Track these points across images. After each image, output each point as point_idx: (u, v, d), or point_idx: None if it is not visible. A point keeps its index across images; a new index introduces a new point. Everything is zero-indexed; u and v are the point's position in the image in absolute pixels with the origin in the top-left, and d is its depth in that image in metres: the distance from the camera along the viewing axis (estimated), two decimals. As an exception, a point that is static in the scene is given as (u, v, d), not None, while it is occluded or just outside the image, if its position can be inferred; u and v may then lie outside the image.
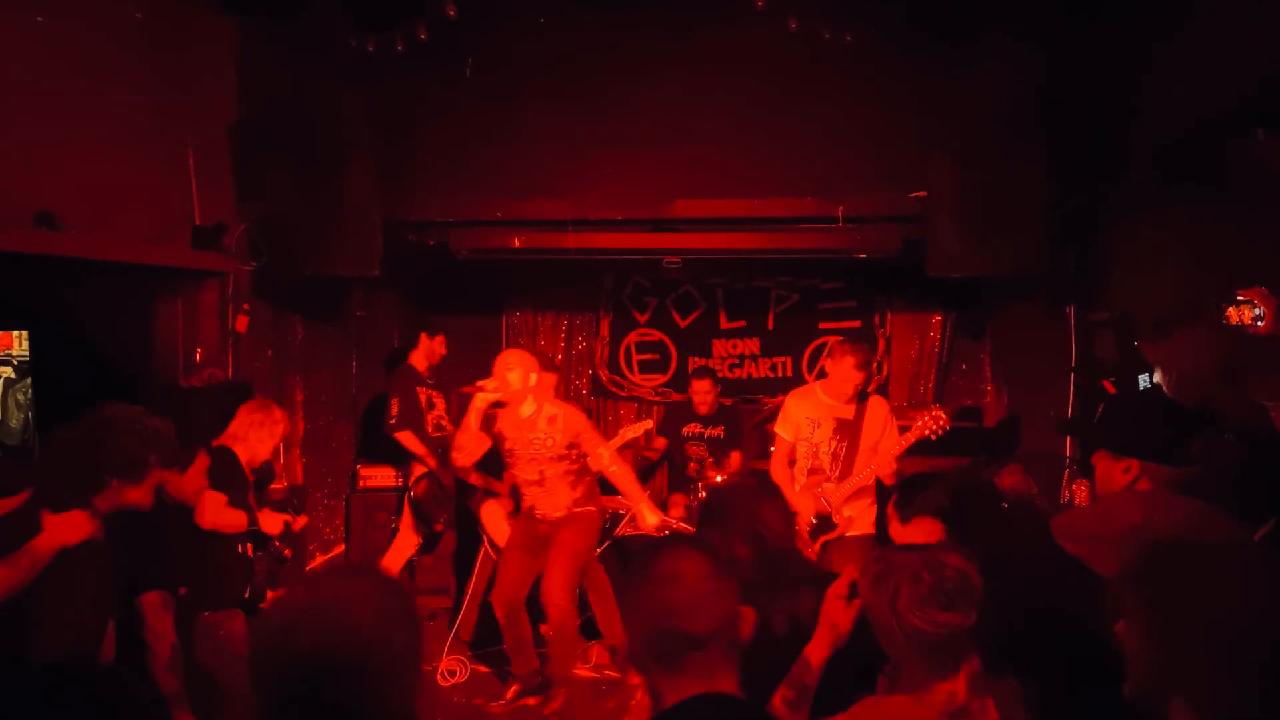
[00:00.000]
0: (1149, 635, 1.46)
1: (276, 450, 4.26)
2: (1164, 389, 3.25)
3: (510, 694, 4.82)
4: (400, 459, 5.99)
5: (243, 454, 4.02)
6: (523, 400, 4.66)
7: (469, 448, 4.71)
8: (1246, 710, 1.36)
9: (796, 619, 2.31)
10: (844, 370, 4.61)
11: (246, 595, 3.94)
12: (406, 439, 5.71)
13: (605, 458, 4.71)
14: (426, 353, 6.01)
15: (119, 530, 3.10)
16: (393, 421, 5.72)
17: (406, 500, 5.85)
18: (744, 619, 1.73)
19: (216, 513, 3.83)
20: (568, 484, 4.76)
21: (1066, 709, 2.11)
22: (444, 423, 6.08)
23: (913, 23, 4.78)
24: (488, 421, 4.70)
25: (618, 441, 5.80)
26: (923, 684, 1.93)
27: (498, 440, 4.78)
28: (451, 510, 5.84)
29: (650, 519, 4.76)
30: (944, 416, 4.51)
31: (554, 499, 4.78)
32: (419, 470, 5.79)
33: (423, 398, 5.88)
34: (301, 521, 4.39)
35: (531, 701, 4.77)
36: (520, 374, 4.60)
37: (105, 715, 1.43)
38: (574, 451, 4.71)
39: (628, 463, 5.82)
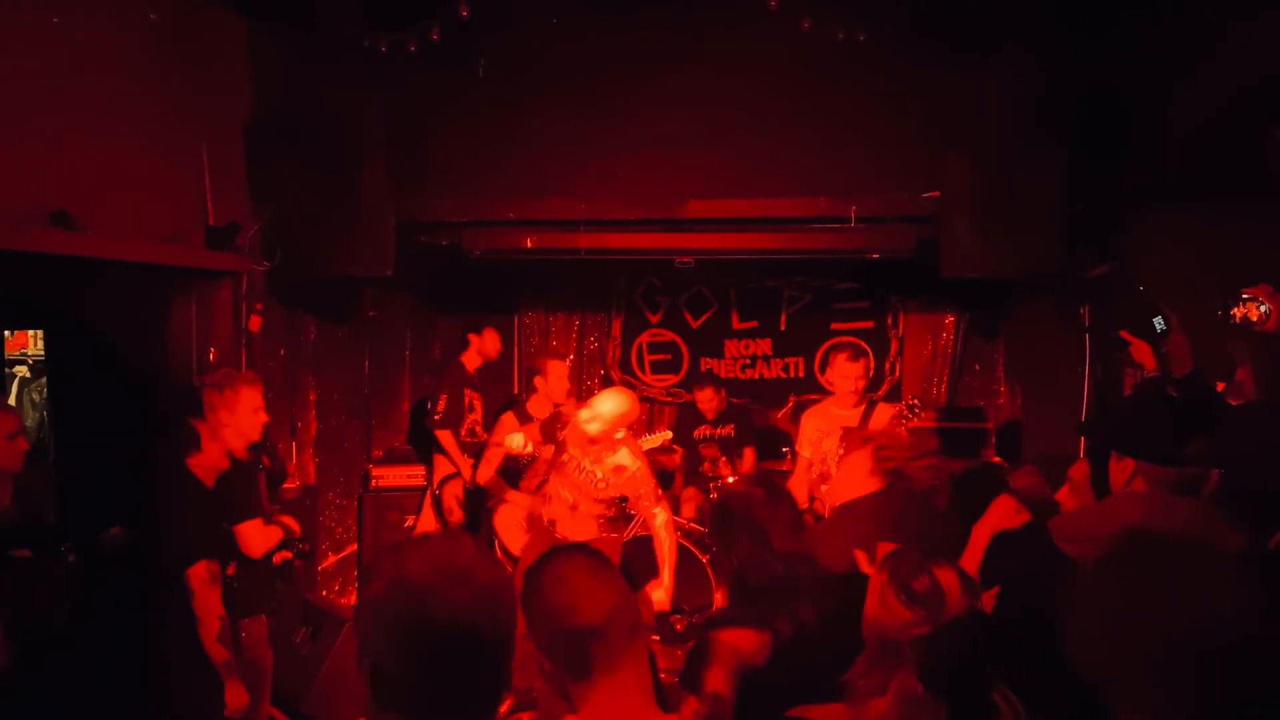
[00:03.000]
0: (1104, 625, 1.40)
1: (266, 429, 4.14)
2: (1249, 389, 3.18)
3: (504, 708, 4.76)
4: (418, 457, 6.02)
5: (234, 443, 3.88)
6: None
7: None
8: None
9: (802, 627, 2.30)
10: (840, 369, 4.78)
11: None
12: (445, 438, 5.73)
13: (659, 520, 4.37)
14: (478, 351, 6.04)
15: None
16: (437, 418, 5.76)
17: (429, 497, 5.87)
18: (643, 602, 1.78)
19: (263, 539, 3.84)
20: (597, 525, 4.55)
21: (1059, 706, 2.09)
22: (478, 429, 6.10)
23: (927, 22, 4.76)
24: (551, 426, 4.56)
25: None
26: (855, 685, 1.93)
27: (556, 446, 4.58)
28: (472, 513, 5.87)
29: (658, 596, 4.21)
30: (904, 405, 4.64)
31: (579, 528, 4.52)
32: (446, 469, 5.81)
33: (466, 399, 5.91)
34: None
35: (525, 717, 4.72)
36: (604, 427, 4.25)
37: None
38: (619, 503, 4.52)
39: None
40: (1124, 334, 3.55)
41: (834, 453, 4.73)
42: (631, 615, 1.75)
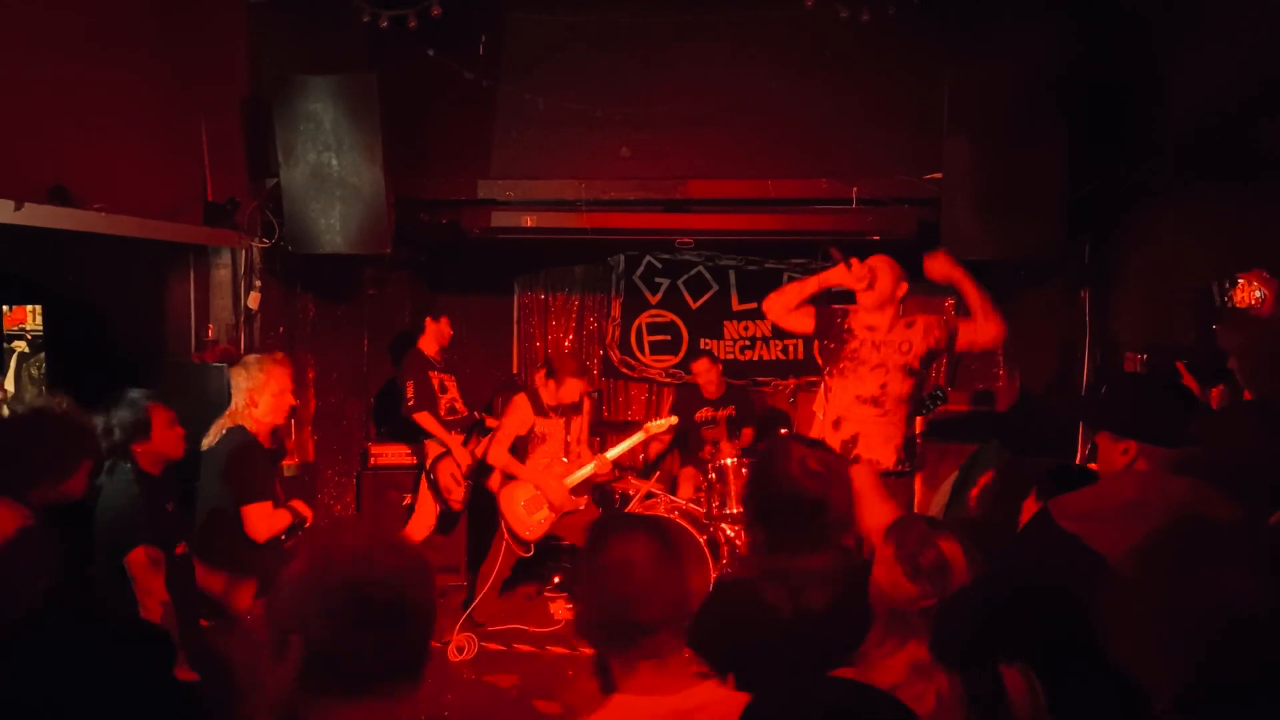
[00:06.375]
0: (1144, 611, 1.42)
1: (290, 415, 4.10)
2: (1239, 376, 3.19)
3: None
4: (414, 437, 6.01)
5: (257, 427, 3.88)
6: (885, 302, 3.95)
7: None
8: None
9: (805, 604, 2.30)
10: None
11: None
12: (425, 419, 5.71)
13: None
14: (435, 335, 5.99)
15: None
16: (410, 403, 5.72)
17: (424, 479, 5.87)
18: (694, 599, 1.79)
19: (269, 523, 3.79)
20: (903, 415, 3.86)
21: (1059, 686, 2.11)
22: (457, 405, 6.09)
23: (930, 4, 4.73)
24: (828, 317, 4.11)
25: (642, 438, 5.76)
26: (869, 655, 1.94)
27: (843, 338, 4.06)
28: (468, 491, 5.87)
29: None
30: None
31: (883, 435, 3.80)
32: (437, 450, 5.80)
33: (435, 382, 5.89)
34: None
35: None
36: (890, 277, 3.95)
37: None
38: (921, 370, 3.92)
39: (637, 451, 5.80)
40: (1180, 366, 3.49)
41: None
42: (685, 616, 1.75)
